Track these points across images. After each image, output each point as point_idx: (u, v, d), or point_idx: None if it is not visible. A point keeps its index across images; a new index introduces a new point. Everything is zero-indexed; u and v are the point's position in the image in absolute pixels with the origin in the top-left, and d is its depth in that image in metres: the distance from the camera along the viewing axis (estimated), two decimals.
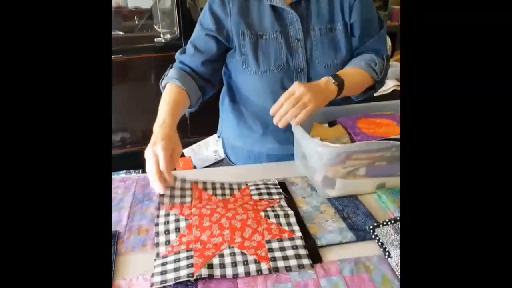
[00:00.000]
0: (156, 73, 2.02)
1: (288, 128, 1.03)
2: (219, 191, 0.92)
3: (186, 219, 0.81)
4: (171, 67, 1.07)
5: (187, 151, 2.32)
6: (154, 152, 0.80)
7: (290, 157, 1.11)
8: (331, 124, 1.05)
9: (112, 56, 1.91)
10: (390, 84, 2.09)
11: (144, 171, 0.84)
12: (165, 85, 1.01)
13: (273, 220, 0.81)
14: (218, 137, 1.32)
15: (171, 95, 0.97)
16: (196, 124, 2.28)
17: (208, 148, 2.35)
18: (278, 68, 1.03)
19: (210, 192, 0.91)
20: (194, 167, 2.25)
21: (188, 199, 0.87)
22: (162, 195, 0.87)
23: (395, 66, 2.10)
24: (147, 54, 1.97)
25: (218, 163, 2.34)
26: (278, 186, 0.95)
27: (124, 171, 2.12)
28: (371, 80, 1.05)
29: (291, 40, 1.03)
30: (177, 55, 1.08)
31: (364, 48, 1.08)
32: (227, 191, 0.92)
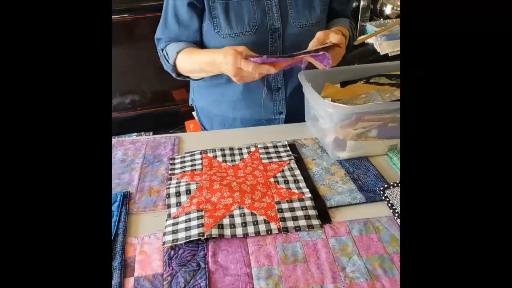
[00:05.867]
0: None
1: (260, 93, 1.02)
2: (228, 157, 0.92)
3: (196, 183, 0.82)
4: (162, 50, 1.05)
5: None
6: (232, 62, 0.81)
7: (265, 122, 1.12)
8: (343, 84, 1.03)
9: (118, 16, 1.87)
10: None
11: (154, 133, 0.84)
12: (174, 63, 1.00)
13: (282, 185, 0.81)
14: (190, 105, 1.28)
15: (192, 50, 0.97)
16: None
17: None
18: (252, 30, 0.97)
19: (220, 159, 0.91)
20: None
21: (198, 167, 0.88)
22: (173, 167, 0.88)
23: None
24: (154, 13, 1.91)
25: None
26: (288, 148, 0.94)
27: (135, 134, 2.13)
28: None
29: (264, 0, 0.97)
30: (160, 35, 1.05)
31: (335, 7, 1.08)
32: (237, 157, 0.92)
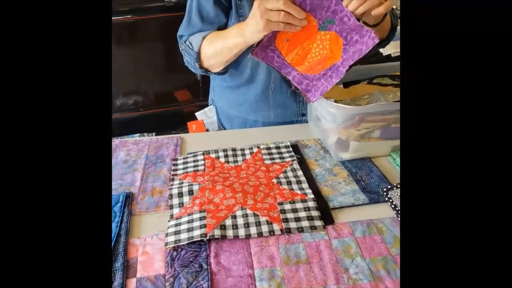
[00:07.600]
0: (167, 34, 1.98)
1: (283, 94, 1.01)
2: (231, 158, 0.91)
3: (199, 184, 0.82)
4: (184, 42, 1.03)
5: (199, 114, 2.31)
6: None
7: (287, 124, 1.10)
8: (346, 85, 1.02)
9: (121, 17, 1.87)
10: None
11: (157, 134, 0.84)
12: (199, 50, 0.98)
13: (285, 186, 0.81)
14: (210, 105, 1.28)
15: (218, 31, 0.96)
16: (208, 87, 2.25)
17: None
18: None
19: (222, 160, 0.91)
20: (207, 130, 2.26)
21: (201, 168, 0.88)
22: (175, 167, 0.87)
23: None
24: (157, 15, 1.92)
25: None
26: (291, 149, 0.94)
27: (137, 134, 2.14)
28: (389, 24, 0.99)
29: None
30: (182, 32, 1.04)
31: None
32: (239, 157, 0.92)
